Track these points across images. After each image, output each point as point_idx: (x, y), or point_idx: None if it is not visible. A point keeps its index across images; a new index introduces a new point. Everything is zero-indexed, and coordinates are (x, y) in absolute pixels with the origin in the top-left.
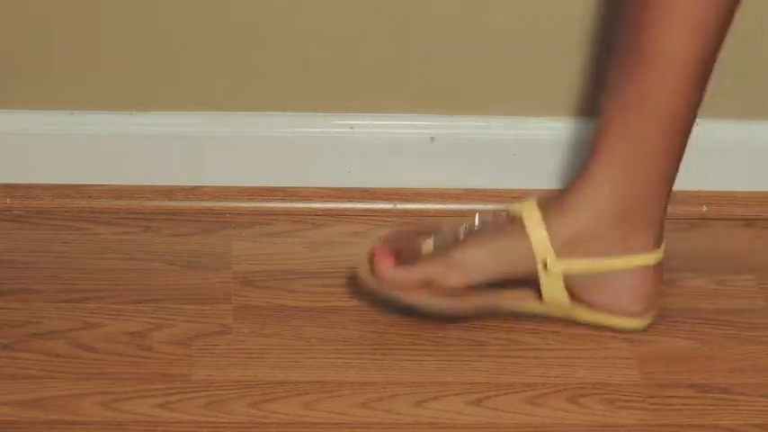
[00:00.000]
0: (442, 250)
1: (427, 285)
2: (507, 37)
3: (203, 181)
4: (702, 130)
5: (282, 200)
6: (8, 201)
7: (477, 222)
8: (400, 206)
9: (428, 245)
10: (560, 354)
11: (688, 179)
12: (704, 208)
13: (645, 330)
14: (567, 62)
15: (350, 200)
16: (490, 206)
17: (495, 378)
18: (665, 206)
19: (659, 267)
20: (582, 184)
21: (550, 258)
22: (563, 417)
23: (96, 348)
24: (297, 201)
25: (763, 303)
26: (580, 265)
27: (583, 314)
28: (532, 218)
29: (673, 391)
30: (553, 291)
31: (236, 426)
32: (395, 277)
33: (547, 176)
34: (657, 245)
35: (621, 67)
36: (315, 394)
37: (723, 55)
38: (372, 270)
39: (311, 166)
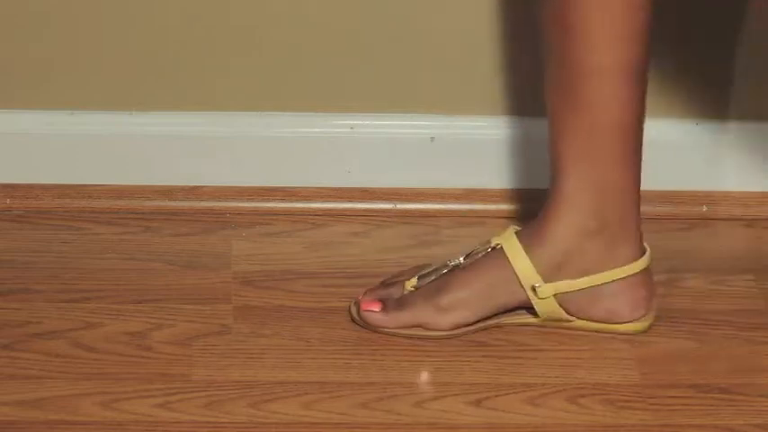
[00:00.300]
0: (428, 292)
1: (418, 326)
2: (508, 37)
3: (203, 181)
4: (703, 131)
5: (282, 200)
6: (8, 201)
7: (460, 260)
8: (400, 206)
9: (411, 282)
10: (560, 354)
11: (688, 179)
12: (704, 208)
13: (646, 331)
14: None
15: (350, 200)
16: (490, 206)
17: (495, 378)
18: (639, 213)
19: (648, 271)
20: (555, 210)
21: (539, 284)
22: (563, 417)
23: (96, 348)
24: (297, 201)
25: (763, 303)
26: (569, 285)
27: (583, 325)
28: (513, 247)
29: (673, 391)
30: (548, 312)
31: (236, 426)
32: (382, 324)
33: (547, 176)
34: (641, 251)
35: (558, 89)
36: (315, 394)
37: (724, 56)
38: (358, 318)
39: (311, 166)
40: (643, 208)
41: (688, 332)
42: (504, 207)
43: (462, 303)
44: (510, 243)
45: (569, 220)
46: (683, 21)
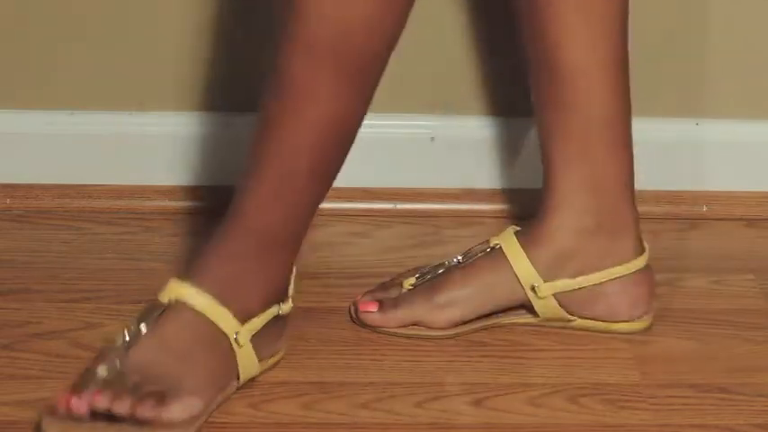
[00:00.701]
0: (425, 290)
1: (415, 324)
2: (509, 36)
3: (203, 181)
4: (702, 130)
5: None
6: (8, 201)
7: (458, 259)
8: (400, 206)
9: (409, 281)
10: (560, 354)
11: (688, 179)
12: (704, 208)
13: (646, 330)
14: None
15: (350, 200)
16: (490, 206)
17: (495, 378)
18: (635, 210)
19: (648, 269)
20: (551, 210)
21: (538, 284)
22: (563, 417)
23: (96, 348)
24: None
25: (763, 303)
26: (568, 284)
27: (582, 324)
28: (512, 248)
29: (673, 391)
30: (548, 311)
31: (236, 426)
32: (380, 324)
33: None
34: (640, 249)
35: (542, 89)
36: (315, 394)
37: (724, 55)
38: (357, 319)
39: None
40: (643, 208)
41: (688, 332)
42: (504, 207)
43: (460, 301)
44: (509, 243)
45: (566, 219)
46: (682, 20)
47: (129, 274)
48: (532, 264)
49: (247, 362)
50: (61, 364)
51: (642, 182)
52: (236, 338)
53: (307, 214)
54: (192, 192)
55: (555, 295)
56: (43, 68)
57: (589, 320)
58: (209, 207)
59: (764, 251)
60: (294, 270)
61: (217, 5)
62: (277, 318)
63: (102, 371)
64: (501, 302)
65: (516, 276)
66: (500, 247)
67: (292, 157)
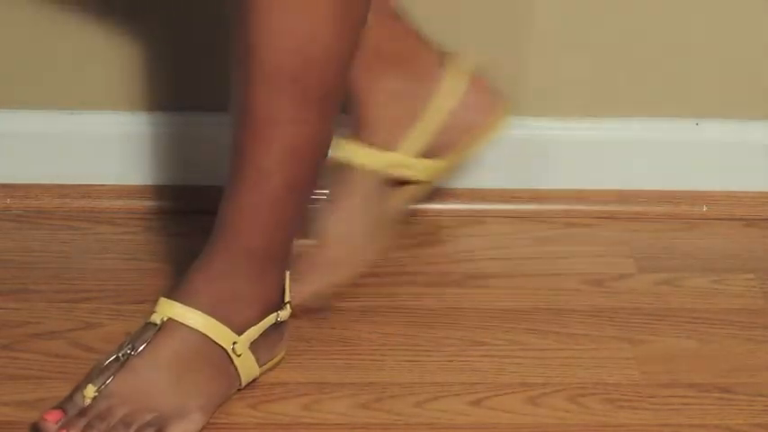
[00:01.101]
0: (312, 250)
1: (334, 269)
2: (513, 36)
3: (203, 181)
4: (703, 130)
5: None
6: (8, 201)
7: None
8: None
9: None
10: (560, 354)
11: (688, 179)
12: (704, 208)
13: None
14: (555, 61)
15: None
16: (490, 206)
17: (495, 378)
18: (415, 35)
19: (471, 75)
20: (361, 102)
21: (385, 157)
22: (563, 417)
23: (96, 348)
24: None
25: (763, 303)
26: (415, 138)
27: (458, 157)
28: (353, 150)
29: (673, 390)
30: (419, 171)
31: (236, 426)
32: (305, 302)
33: (546, 175)
34: (441, 60)
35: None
36: (315, 395)
37: (723, 55)
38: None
39: None
40: (643, 208)
41: (688, 332)
42: (504, 207)
43: (345, 227)
44: (348, 149)
45: (371, 94)
46: (683, 20)
47: (129, 274)
48: (375, 151)
49: (248, 369)
50: (61, 364)
51: (642, 182)
52: (233, 348)
53: (291, 226)
54: (192, 191)
55: (419, 159)
56: (43, 68)
57: (464, 147)
58: (211, 207)
59: (764, 251)
60: (288, 275)
61: (217, 5)
62: (276, 324)
63: (89, 392)
64: (379, 200)
65: (369, 169)
66: (347, 162)
67: (266, 178)
